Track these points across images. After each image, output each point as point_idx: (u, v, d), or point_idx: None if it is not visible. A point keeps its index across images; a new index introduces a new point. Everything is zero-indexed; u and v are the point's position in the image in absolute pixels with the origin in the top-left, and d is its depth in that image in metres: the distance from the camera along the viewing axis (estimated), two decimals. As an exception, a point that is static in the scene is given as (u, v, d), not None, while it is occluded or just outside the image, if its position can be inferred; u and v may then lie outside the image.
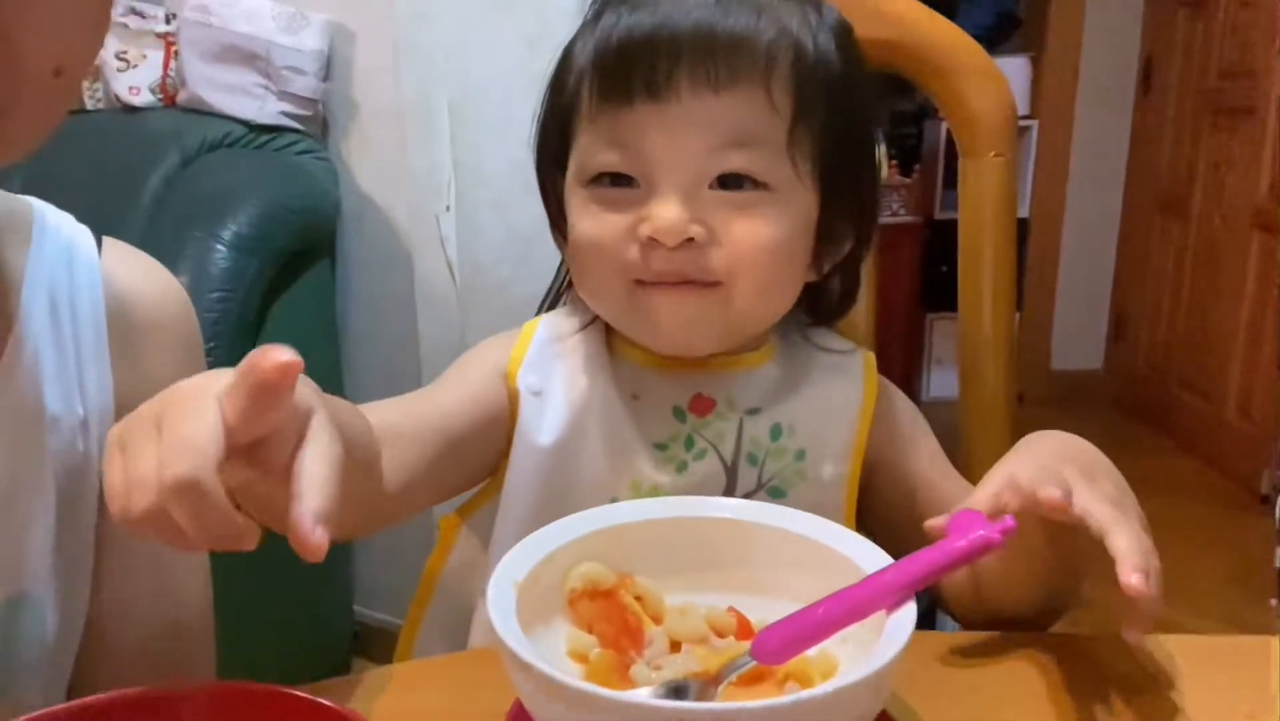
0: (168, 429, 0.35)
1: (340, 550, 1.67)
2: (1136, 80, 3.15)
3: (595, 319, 0.63)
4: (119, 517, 0.36)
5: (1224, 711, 0.49)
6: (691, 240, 0.55)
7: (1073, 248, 3.27)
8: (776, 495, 0.60)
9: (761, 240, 0.56)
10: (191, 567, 0.62)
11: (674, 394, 0.61)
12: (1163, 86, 3.00)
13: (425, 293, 1.64)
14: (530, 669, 0.39)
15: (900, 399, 0.66)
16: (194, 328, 0.62)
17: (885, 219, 2.95)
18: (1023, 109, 3.13)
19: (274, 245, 1.44)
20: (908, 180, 3.09)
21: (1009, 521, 0.45)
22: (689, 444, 0.60)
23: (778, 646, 0.42)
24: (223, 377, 0.36)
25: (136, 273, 0.59)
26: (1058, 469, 0.47)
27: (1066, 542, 0.50)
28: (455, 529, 0.65)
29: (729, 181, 0.56)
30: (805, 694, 0.38)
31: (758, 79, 0.55)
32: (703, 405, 0.61)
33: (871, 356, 0.65)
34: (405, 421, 0.58)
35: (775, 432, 0.60)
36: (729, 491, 0.60)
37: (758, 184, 0.56)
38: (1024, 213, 3.19)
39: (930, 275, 3.06)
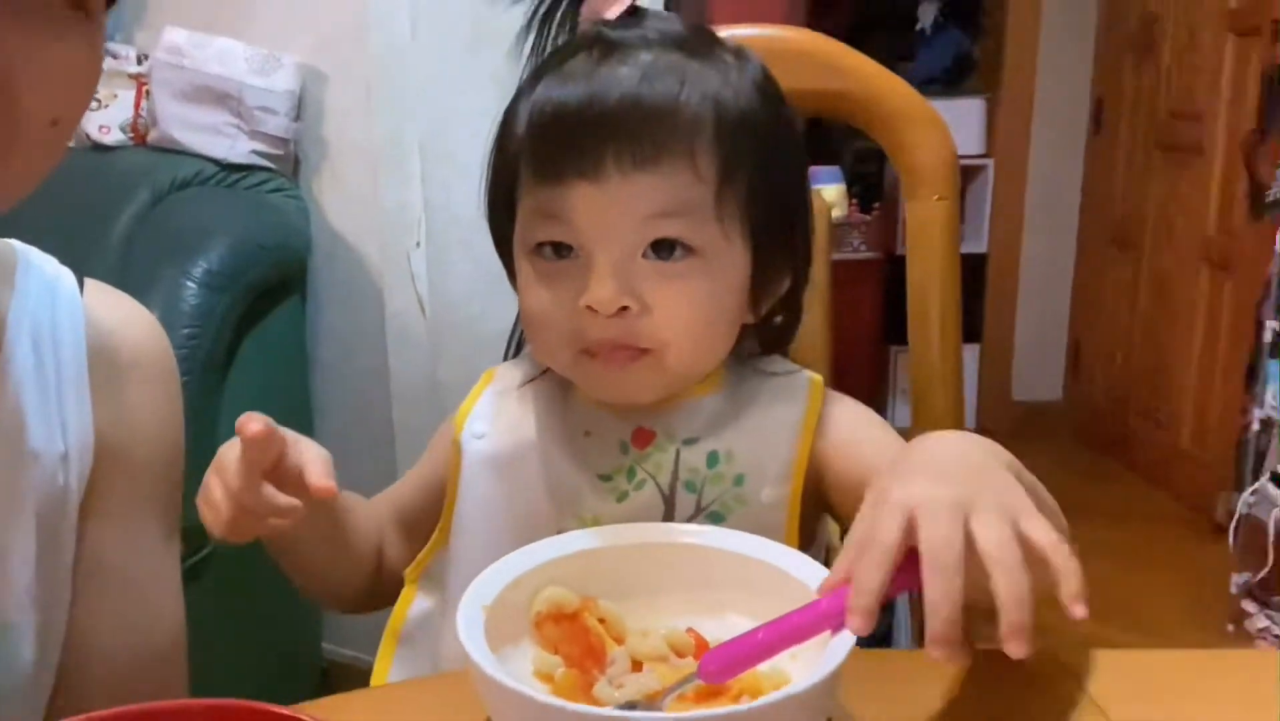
0: (223, 472, 0.57)
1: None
2: (1088, 120, 3.25)
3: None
4: (220, 534, 0.57)
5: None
6: (626, 309, 0.59)
7: (1030, 282, 3.35)
8: (715, 519, 0.62)
9: (691, 307, 0.60)
10: (166, 598, 0.64)
11: (621, 429, 0.64)
12: (1114, 126, 3.09)
13: (396, 328, 1.66)
14: (498, 685, 0.41)
15: (844, 405, 0.66)
16: (173, 366, 0.64)
17: (846, 255, 3.01)
18: (978, 148, 3.22)
19: (245, 282, 1.45)
20: (868, 217, 3.15)
21: None
22: (630, 475, 0.63)
23: (720, 667, 0.45)
24: (237, 442, 0.56)
25: (118, 312, 0.61)
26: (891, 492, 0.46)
27: None
28: (411, 584, 0.68)
29: (661, 247, 0.59)
30: (741, 706, 0.41)
31: (682, 152, 0.58)
32: (643, 438, 0.63)
33: (818, 376, 0.66)
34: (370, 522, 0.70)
35: (712, 460, 0.63)
36: (667, 517, 0.62)
37: (688, 248, 0.59)
38: (982, 249, 3.27)
39: (892, 309, 3.11)
